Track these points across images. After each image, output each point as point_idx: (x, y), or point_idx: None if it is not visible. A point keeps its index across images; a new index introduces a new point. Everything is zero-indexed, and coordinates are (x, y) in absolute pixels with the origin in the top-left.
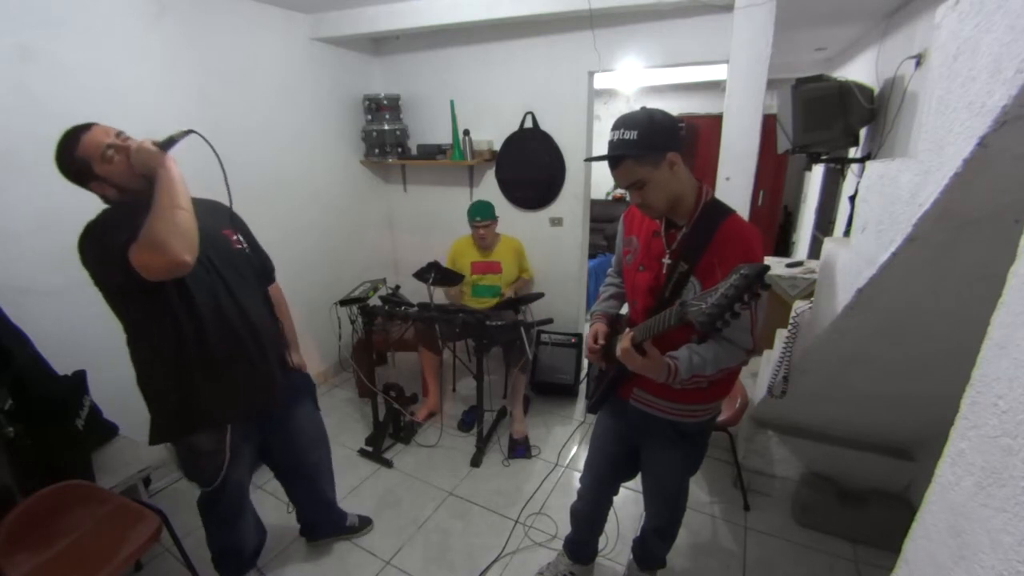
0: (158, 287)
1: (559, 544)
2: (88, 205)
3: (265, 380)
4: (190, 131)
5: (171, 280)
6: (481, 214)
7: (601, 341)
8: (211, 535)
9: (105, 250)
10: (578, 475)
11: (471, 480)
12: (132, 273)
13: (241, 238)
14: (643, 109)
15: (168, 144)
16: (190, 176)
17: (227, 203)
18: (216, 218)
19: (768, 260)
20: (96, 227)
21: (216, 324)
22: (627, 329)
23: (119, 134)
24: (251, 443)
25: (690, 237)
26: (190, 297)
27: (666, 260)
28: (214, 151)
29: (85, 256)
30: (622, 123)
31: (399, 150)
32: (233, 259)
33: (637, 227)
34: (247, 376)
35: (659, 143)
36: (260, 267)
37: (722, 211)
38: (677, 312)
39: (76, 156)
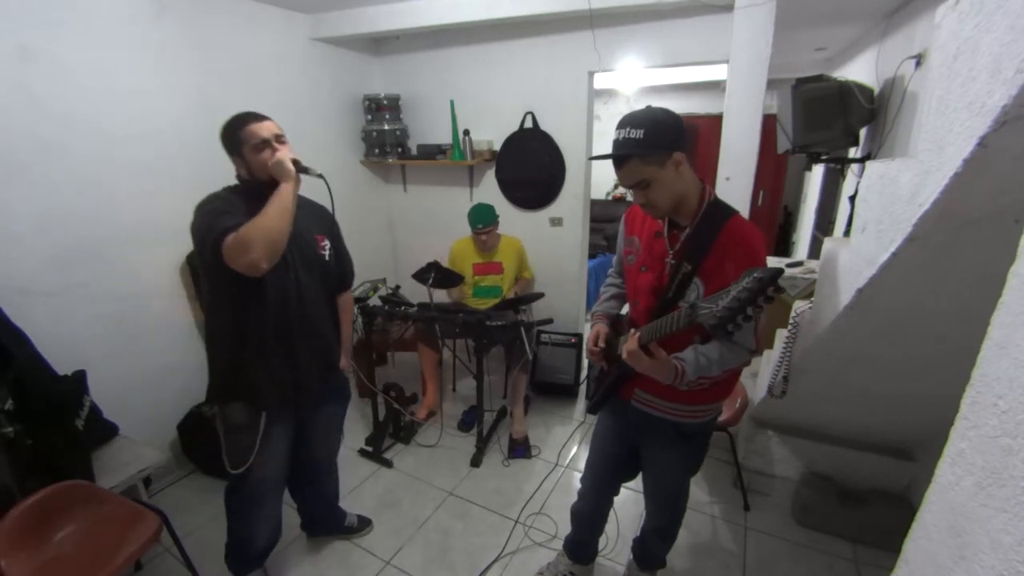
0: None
1: (559, 544)
2: (88, 205)
3: (296, 371)
4: (321, 175)
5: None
6: (483, 220)
7: (602, 343)
8: (228, 524)
9: (209, 229)
10: (578, 475)
11: (471, 480)
12: (219, 260)
13: (328, 244)
14: (648, 108)
15: (301, 168)
16: None
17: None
18: (314, 221)
19: (768, 260)
20: (212, 204)
21: (277, 318)
22: (632, 330)
23: (278, 136)
24: (285, 436)
25: (693, 238)
26: (263, 289)
27: (669, 260)
28: (329, 191)
29: (193, 224)
30: (628, 122)
31: (399, 150)
32: (313, 263)
33: (639, 227)
34: (287, 372)
35: (665, 142)
36: (338, 274)
37: (725, 211)
38: (687, 314)
39: (237, 134)
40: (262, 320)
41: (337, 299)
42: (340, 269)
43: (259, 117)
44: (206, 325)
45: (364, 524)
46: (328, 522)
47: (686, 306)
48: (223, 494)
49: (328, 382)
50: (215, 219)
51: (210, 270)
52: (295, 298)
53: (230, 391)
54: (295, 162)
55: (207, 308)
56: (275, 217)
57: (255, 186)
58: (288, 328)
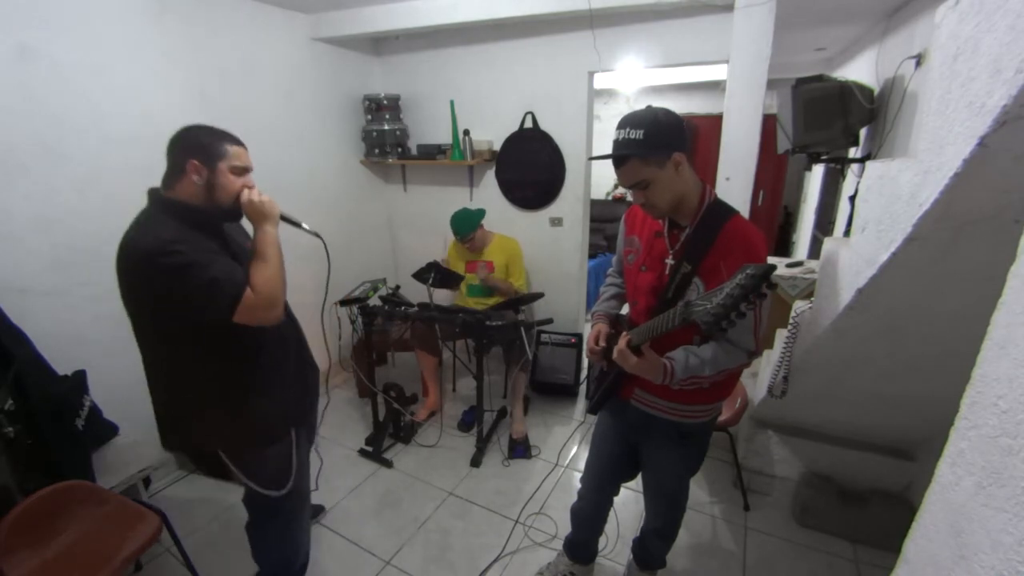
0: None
1: (559, 544)
2: (88, 206)
3: (317, 382)
4: (317, 234)
5: None
6: (460, 232)
7: (603, 342)
8: (269, 546)
9: (214, 292)
10: (578, 475)
11: (471, 480)
12: (226, 317)
13: None
14: (649, 108)
15: (291, 221)
16: None
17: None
18: None
19: (768, 260)
20: (178, 253)
21: (284, 331)
22: (624, 331)
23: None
24: (308, 439)
25: (693, 238)
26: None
27: (669, 260)
28: (326, 249)
29: (169, 286)
30: (628, 122)
31: (399, 150)
32: None
33: (639, 227)
34: (309, 379)
35: (665, 143)
36: None
37: (725, 212)
38: (681, 312)
39: (221, 145)
40: (274, 338)
41: None
42: None
43: (240, 141)
44: (194, 381)
45: (317, 511)
46: None
47: (681, 304)
48: (255, 521)
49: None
50: (207, 274)
51: (219, 331)
52: (289, 322)
53: (268, 433)
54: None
55: (193, 363)
56: (279, 263)
57: (206, 215)
58: (289, 340)
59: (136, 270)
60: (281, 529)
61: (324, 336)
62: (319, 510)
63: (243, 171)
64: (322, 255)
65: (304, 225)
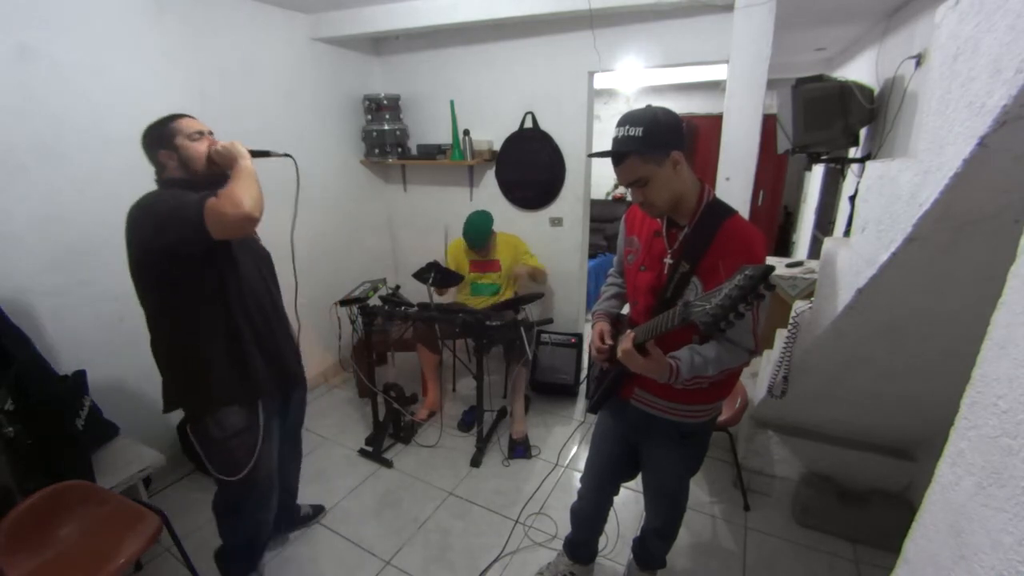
0: (212, 252)
1: (559, 544)
2: (88, 206)
3: (286, 360)
4: (288, 155)
5: (223, 248)
6: (477, 244)
7: (608, 340)
8: (231, 528)
9: (179, 207)
10: (578, 475)
11: (471, 480)
12: (200, 230)
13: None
14: (648, 107)
15: (260, 153)
16: None
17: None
18: None
19: (768, 260)
20: (159, 198)
21: (254, 301)
22: (628, 330)
23: (210, 132)
24: (277, 424)
25: (692, 237)
26: (237, 274)
27: (668, 260)
28: (297, 180)
29: (143, 221)
30: (627, 119)
31: (399, 150)
32: (261, 255)
33: (639, 227)
34: (279, 351)
35: (664, 141)
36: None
37: (724, 211)
38: (681, 312)
39: (168, 127)
40: (243, 300)
41: None
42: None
43: (182, 115)
44: (172, 338)
45: (318, 511)
46: (286, 518)
47: (680, 304)
48: (216, 501)
49: (301, 367)
50: (178, 201)
51: (185, 266)
52: (264, 290)
53: (224, 395)
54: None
55: (174, 320)
56: (251, 176)
57: (193, 184)
58: (266, 314)
59: (129, 220)
60: (248, 512)
61: (295, 276)
62: (319, 510)
63: (199, 135)
64: (323, 254)
65: (274, 152)
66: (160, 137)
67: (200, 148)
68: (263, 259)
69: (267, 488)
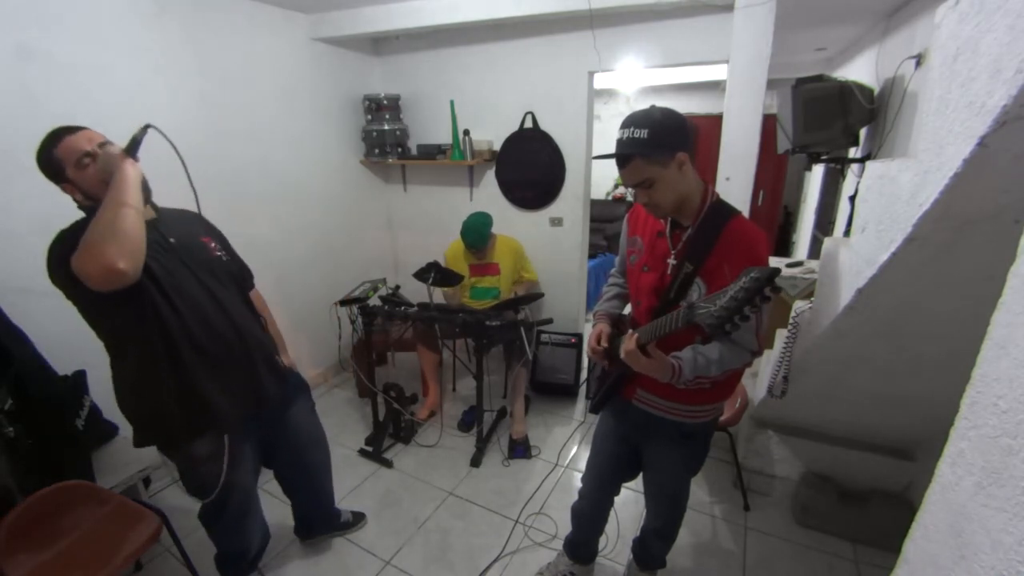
0: (135, 294)
1: (559, 544)
2: None
3: (253, 382)
4: (148, 126)
5: (152, 286)
6: (476, 245)
7: (604, 343)
8: (216, 540)
9: (56, 262)
10: (578, 475)
11: (471, 480)
12: (75, 279)
13: (218, 245)
14: (652, 107)
15: (132, 147)
16: (164, 180)
17: (195, 208)
18: (193, 226)
19: (769, 261)
20: (61, 241)
21: (202, 326)
22: (630, 331)
23: (103, 144)
24: (251, 444)
25: (695, 238)
26: (172, 301)
27: (671, 261)
28: (173, 147)
29: (53, 270)
30: (632, 121)
31: (399, 150)
32: (212, 266)
33: (641, 227)
34: (236, 377)
35: (669, 142)
36: (239, 274)
37: (728, 212)
38: (685, 314)
39: (53, 156)
40: (188, 333)
41: (250, 298)
42: (239, 267)
43: (72, 129)
44: (119, 377)
45: (358, 519)
46: (326, 522)
47: (684, 306)
48: (200, 515)
49: (284, 382)
50: (66, 249)
51: (101, 306)
52: (211, 304)
53: (187, 428)
54: (121, 149)
55: (115, 354)
56: (115, 202)
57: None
58: (217, 334)
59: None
60: (222, 529)
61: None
62: (360, 517)
63: (88, 158)
64: (322, 253)
65: (138, 136)
66: (53, 173)
67: (92, 175)
68: (215, 271)
69: (238, 511)
